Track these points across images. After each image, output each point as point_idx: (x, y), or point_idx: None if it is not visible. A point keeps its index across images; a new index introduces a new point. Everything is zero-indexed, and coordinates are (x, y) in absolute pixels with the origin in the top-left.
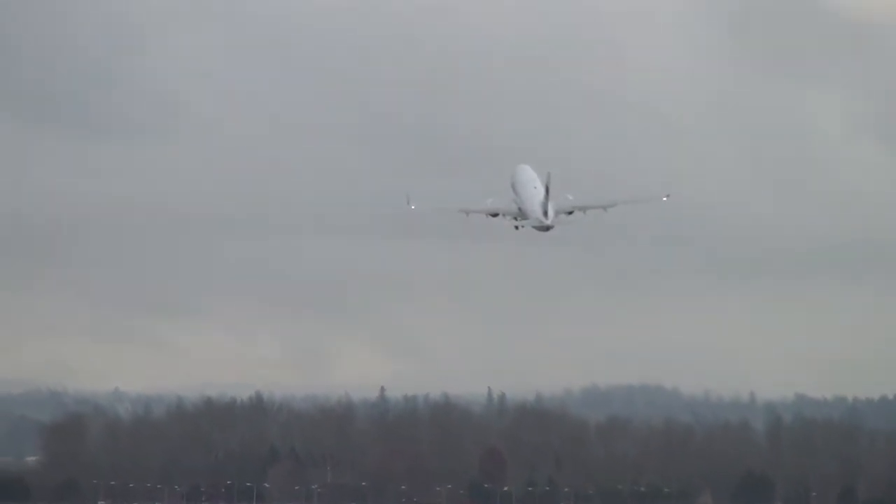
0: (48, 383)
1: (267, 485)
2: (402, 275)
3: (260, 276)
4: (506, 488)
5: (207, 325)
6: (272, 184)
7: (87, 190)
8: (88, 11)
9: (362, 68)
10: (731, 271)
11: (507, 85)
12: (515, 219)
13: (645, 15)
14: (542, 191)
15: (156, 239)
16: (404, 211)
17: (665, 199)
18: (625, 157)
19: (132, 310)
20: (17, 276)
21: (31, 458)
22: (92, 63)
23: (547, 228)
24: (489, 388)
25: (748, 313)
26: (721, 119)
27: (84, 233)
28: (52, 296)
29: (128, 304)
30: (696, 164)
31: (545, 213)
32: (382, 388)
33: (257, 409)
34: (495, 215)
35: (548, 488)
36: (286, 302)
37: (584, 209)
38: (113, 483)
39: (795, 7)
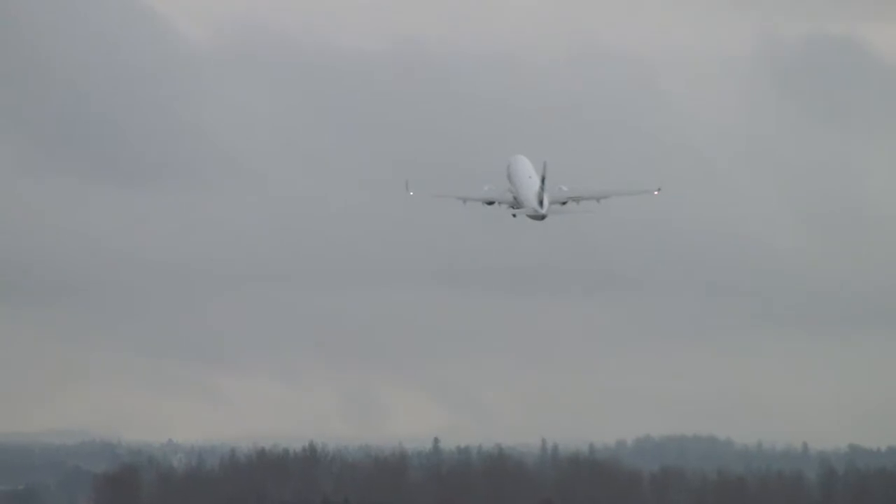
0: (102, 434)
1: None
2: (456, 326)
3: (313, 326)
4: None
5: (260, 376)
6: (325, 234)
7: (142, 242)
8: (138, 63)
9: (407, 119)
10: (783, 321)
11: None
12: (511, 207)
13: (691, 62)
14: (536, 181)
15: (209, 290)
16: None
17: (656, 192)
18: (669, 203)
19: (186, 361)
20: (72, 327)
21: None
22: (142, 115)
23: (542, 217)
24: (542, 439)
25: (800, 363)
26: (768, 169)
27: (138, 284)
28: (105, 347)
29: (181, 356)
30: (744, 211)
31: (540, 203)
32: (436, 440)
33: (310, 460)
34: (491, 203)
35: None
36: (340, 353)
37: (577, 199)
38: None
39: (844, 57)
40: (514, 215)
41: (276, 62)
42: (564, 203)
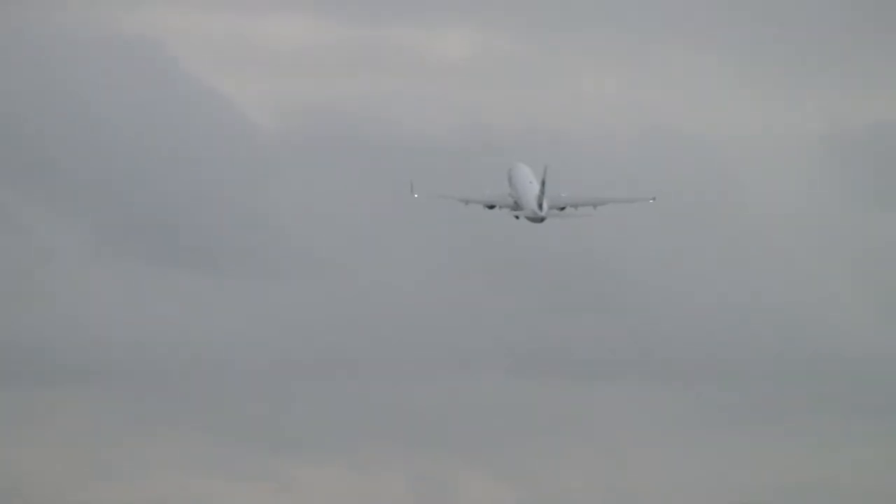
0: None
1: None
2: (527, 412)
3: (382, 413)
4: None
5: (330, 462)
6: (393, 322)
7: (209, 328)
8: (202, 148)
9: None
10: (858, 410)
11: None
12: (512, 209)
13: (755, 144)
14: (536, 186)
15: (277, 376)
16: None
17: (651, 200)
18: (737, 286)
19: (254, 448)
20: (139, 412)
21: None
22: (208, 200)
23: (541, 220)
24: None
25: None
26: (833, 253)
27: (205, 370)
28: (172, 432)
29: (250, 442)
30: (812, 296)
31: (540, 206)
32: None
33: None
34: (492, 207)
35: None
36: (410, 439)
37: (575, 205)
38: None
39: None
40: (516, 217)
41: (341, 148)
42: (563, 208)
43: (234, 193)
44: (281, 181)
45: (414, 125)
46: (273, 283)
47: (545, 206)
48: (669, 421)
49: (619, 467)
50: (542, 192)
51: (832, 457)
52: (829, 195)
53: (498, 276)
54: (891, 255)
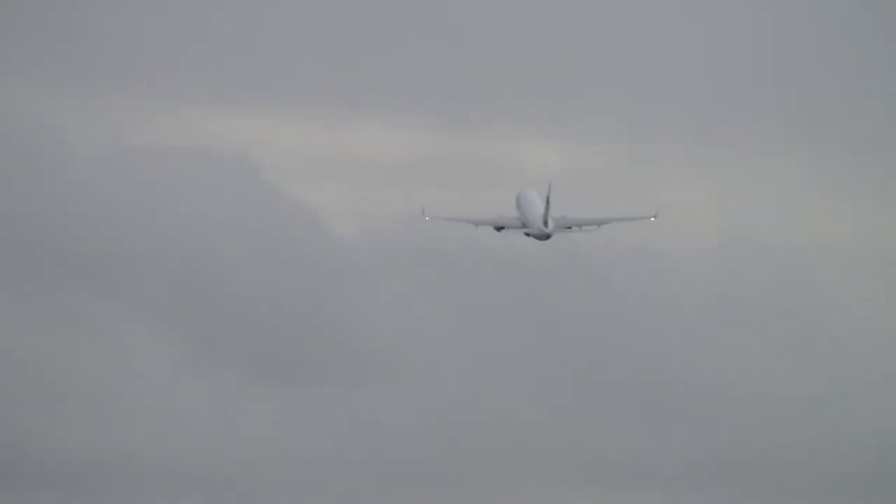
0: None
1: None
2: None
3: None
4: None
5: None
6: (484, 433)
7: (299, 441)
8: (288, 260)
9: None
10: None
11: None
12: (520, 229)
13: (838, 256)
14: (542, 206)
15: (363, 486)
16: None
17: (653, 218)
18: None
19: None
20: None
21: None
22: (294, 312)
23: (547, 237)
24: None
25: None
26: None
27: (293, 484)
28: None
29: None
30: None
31: (545, 223)
32: None
33: None
34: (500, 229)
35: None
36: None
37: (580, 225)
38: None
39: None
40: (526, 234)
41: (423, 258)
42: (569, 228)
43: (319, 304)
44: (366, 291)
45: (498, 237)
46: (356, 393)
47: (550, 224)
48: None
49: None
50: (547, 210)
51: None
52: None
53: (588, 386)
54: None
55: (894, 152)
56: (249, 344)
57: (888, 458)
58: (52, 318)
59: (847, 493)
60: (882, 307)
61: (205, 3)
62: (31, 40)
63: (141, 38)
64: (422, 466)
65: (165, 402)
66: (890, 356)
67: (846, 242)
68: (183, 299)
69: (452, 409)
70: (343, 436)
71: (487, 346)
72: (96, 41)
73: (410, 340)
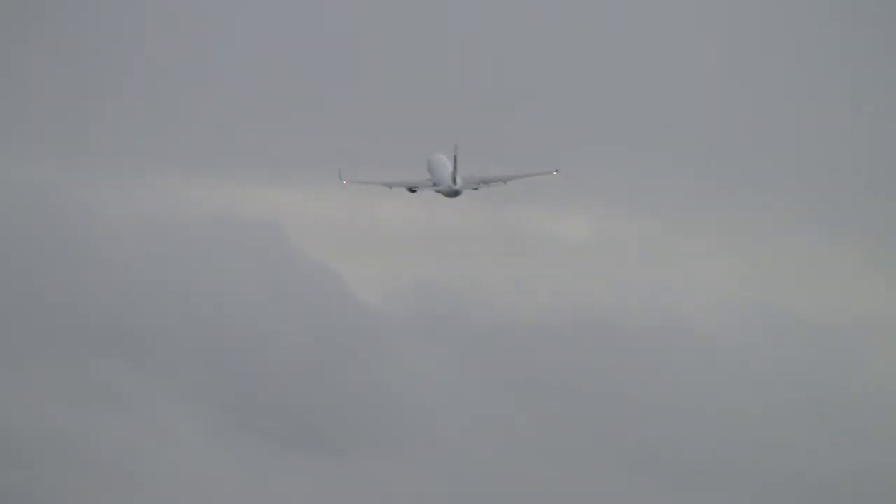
0: None
1: None
2: None
3: None
4: None
5: None
6: (510, 497)
7: None
8: (318, 328)
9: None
10: None
11: None
12: (431, 188)
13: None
14: (450, 166)
15: None
16: None
17: (555, 173)
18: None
19: None
20: None
21: None
22: (325, 381)
23: (455, 193)
24: None
25: None
26: None
27: None
28: None
29: None
30: None
31: (454, 181)
32: None
33: None
34: (413, 190)
35: None
36: None
37: (487, 182)
38: None
39: None
40: (437, 191)
41: (455, 328)
42: (476, 188)
43: (345, 371)
44: (393, 360)
45: (522, 308)
46: (391, 463)
47: (459, 181)
48: None
49: None
50: (456, 170)
51: None
52: None
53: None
54: None
55: None
56: (272, 413)
57: None
58: (86, 392)
59: None
60: None
61: (228, 75)
62: (56, 113)
63: (165, 109)
64: None
65: (198, 473)
66: None
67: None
68: (212, 370)
69: (479, 477)
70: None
71: (514, 415)
72: (124, 114)
73: (436, 411)
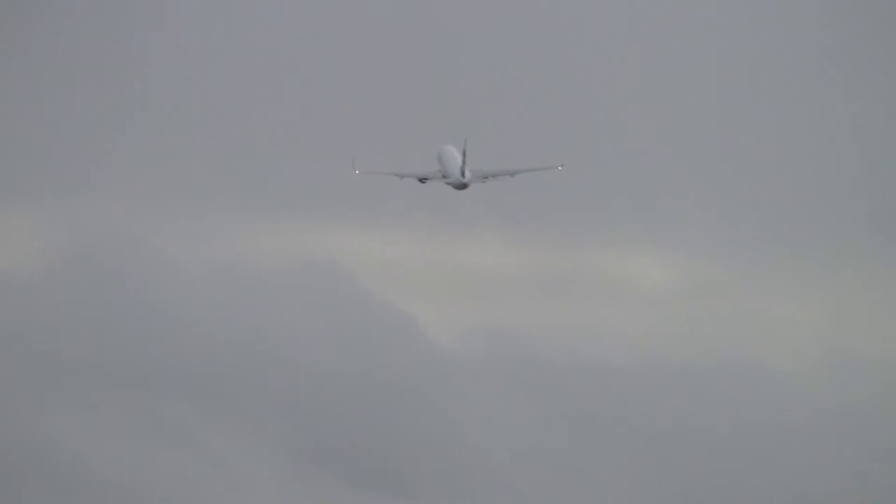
0: None
1: None
2: None
3: None
4: None
5: None
6: None
7: None
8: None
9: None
10: None
11: None
12: (441, 180)
13: None
14: (459, 158)
15: None
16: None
17: (560, 168)
18: None
19: None
20: None
21: None
22: (397, 420)
23: (464, 186)
24: None
25: None
26: None
27: None
28: None
29: None
30: None
31: (462, 174)
32: None
33: None
34: (423, 180)
35: None
36: None
37: (495, 175)
38: None
39: None
40: (447, 183)
41: (528, 370)
42: (485, 179)
43: (416, 413)
44: (465, 402)
45: (598, 352)
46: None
47: (467, 174)
48: None
49: None
50: (464, 163)
51: None
52: None
53: None
54: None
55: None
56: (343, 456)
57: None
58: (160, 436)
59: None
60: None
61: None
62: (124, 157)
63: (231, 153)
64: None
65: None
66: None
67: None
68: (284, 413)
69: None
70: None
71: (584, 462)
72: (192, 158)
73: (507, 455)
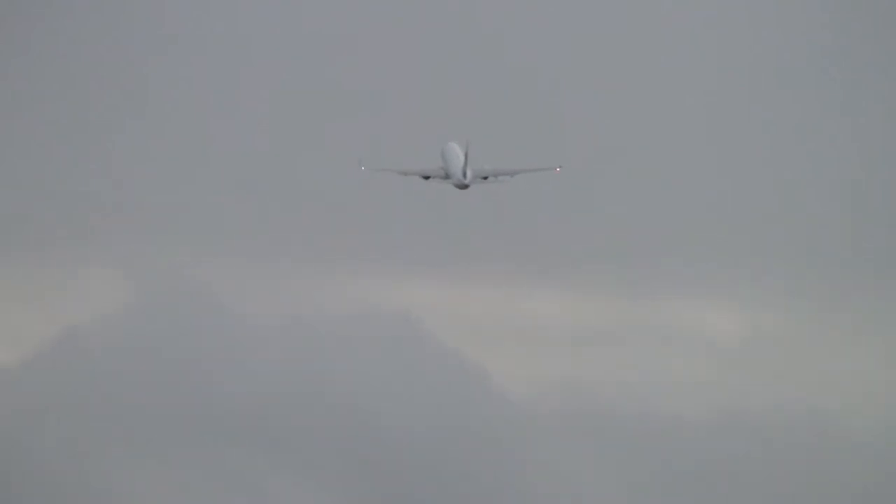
0: None
1: None
2: None
3: None
4: None
5: None
6: None
7: None
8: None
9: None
10: None
11: None
12: (443, 179)
13: None
14: (462, 158)
15: None
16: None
17: (558, 169)
18: None
19: None
20: None
21: None
22: (467, 468)
23: (465, 186)
24: None
25: None
26: None
27: None
28: None
29: None
30: None
31: (464, 175)
32: None
33: None
34: (427, 178)
35: None
36: None
37: (496, 175)
38: None
39: None
40: (453, 185)
41: (595, 424)
42: (486, 178)
43: (484, 464)
44: (533, 453)
45: (670, 405)
46: None
47: (469, 174)
48: None
49: None
50: (466, 163)
51: None
52: None
53: None
54: None
55: None
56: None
57: None
58: (225, 483)
59: None
60: None
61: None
62: (187, 211)
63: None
64: None
65: None
66: None
67: None
68: (352, 463)
69: None
70: None
71: None
72: (258, 210)
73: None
